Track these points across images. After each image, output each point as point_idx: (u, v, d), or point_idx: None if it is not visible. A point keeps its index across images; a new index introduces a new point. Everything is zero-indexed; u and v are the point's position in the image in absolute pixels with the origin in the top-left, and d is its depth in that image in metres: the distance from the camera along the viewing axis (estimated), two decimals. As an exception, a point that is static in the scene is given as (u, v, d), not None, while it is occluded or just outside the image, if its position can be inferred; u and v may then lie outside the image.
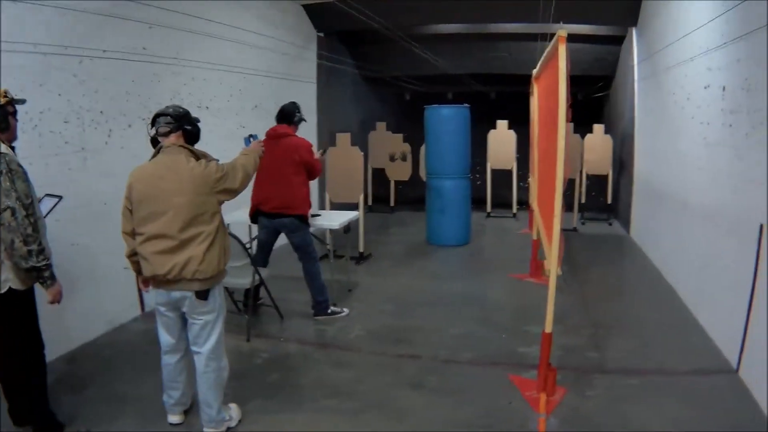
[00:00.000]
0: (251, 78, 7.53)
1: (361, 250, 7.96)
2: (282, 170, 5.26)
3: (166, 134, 3.39)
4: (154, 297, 3.47)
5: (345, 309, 5.77)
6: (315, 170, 5.48)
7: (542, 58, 5.06)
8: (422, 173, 11.20)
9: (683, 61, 6.04)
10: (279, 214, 5.35)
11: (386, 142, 11.89)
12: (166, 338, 3.55)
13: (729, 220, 4.73)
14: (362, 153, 8.00)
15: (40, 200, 3.67)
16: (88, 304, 4.92)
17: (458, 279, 7.18)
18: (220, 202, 3.42)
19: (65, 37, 4.62)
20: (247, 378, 4.34)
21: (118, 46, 5.20)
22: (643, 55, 8.36)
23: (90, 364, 4.61)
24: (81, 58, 4.80)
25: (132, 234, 3.38)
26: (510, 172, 11.23)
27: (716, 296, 5.01)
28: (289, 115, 5.50)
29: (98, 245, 5.00)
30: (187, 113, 3.49)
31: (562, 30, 3.52)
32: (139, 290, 5.49)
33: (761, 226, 4.02)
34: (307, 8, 9.27)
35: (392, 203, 12.07)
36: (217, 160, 3.48)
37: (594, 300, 6.11)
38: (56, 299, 3.37)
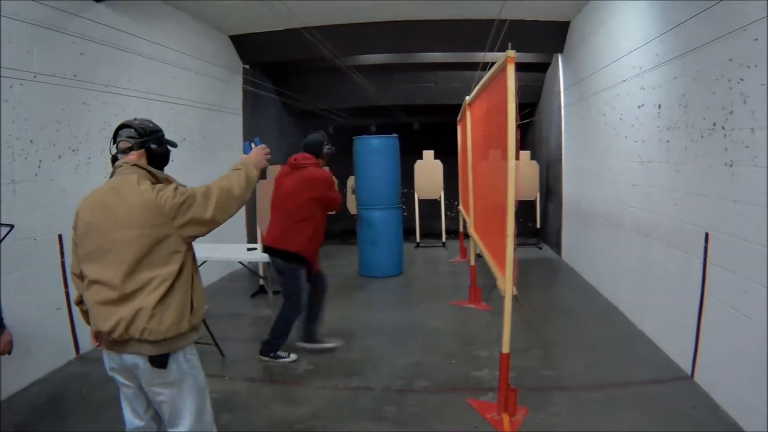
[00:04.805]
0: (179, 108, 7.31)
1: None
2: (288, 203, 4.86)
3: (125, 151, 2.69)
4: (105, 360, 2.65)
5: (293, 354, 5.24)
6: (332, 204, 5.10)
7: (481, 83, 5.09)
8: (350, 206, 11.12)
9: (615, 84, 6.26)
10: (272, 249, 4.98)
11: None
12: (129, 418, 2.74)
13: (669, 233, 4.88)
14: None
15: None
16: (18, 348, 4.35)
17: (397, 309, 7.07)
18: (187, 239, 2.58)
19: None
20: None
21: (49, 70, 4.95)
22: (570, 80, 8.66)
23: (25, 413, 4.20)
24: (11, 82, 4.51)
25: (81, 276, 2.63)
26: (437, 201, 11.31)
27: (661, 307, 5.13)
28: (316, 146, 5.09)
29: (28, 284, 4.67)
30: (156, 130, 2.79)
31: (511, 51, 3.53)
32: (73, 331, 5.25)
33: (706, 235, 4.13)
34: (234, 39, 9.20)
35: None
36: (183, 186, 2.67)
37: (537, 321, 6.13)
38: (6, 350, 3.04)
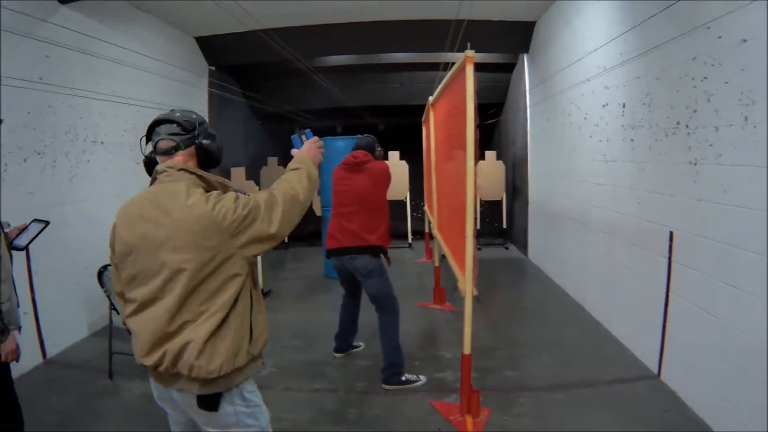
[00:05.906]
0: (144, 111, 7.17)
1: (261, 286, 7.62)
2: (366, 201, 4.61)
3: (169, 152, 2.20)
4: (153, 389, 2.31)
5: (422, 377, 4.68)
6: None
7: (443, 83, 5.02)
8: (316, 207, 11.01)
9: (579, 83, 6.27)
10: (346, 249, 4.65)
11: (278, 177, 11.53)
12: None
13: (634, 232, 4.88)
14: (258, 188, 7.73)
15: (27, 225, 3.24)
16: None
17: (362, 310, 6.90)
18: (250, 259, 2.12)
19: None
20: (162, 426, 3.88)
21: (15, 73, 4.87)
22: (535, 80, 8.66)
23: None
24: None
25: (124, 297, 2.21)
26: (403, 202, 11.24)
27: (627, 307, 5.13)
28: (369, 146, 4.84)
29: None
30: (202, 121, 2.30)
31: (470, 51, 3.46)
32: (40, 336, 5.20)
33: (671, 233, 4.13)
34: (200, 41, 9.06)
35: (286, 239, 11.71)
36: (244, 192, 2.21)
37: (502, 322, 6.10)
38: (12, 358, 2.92)
